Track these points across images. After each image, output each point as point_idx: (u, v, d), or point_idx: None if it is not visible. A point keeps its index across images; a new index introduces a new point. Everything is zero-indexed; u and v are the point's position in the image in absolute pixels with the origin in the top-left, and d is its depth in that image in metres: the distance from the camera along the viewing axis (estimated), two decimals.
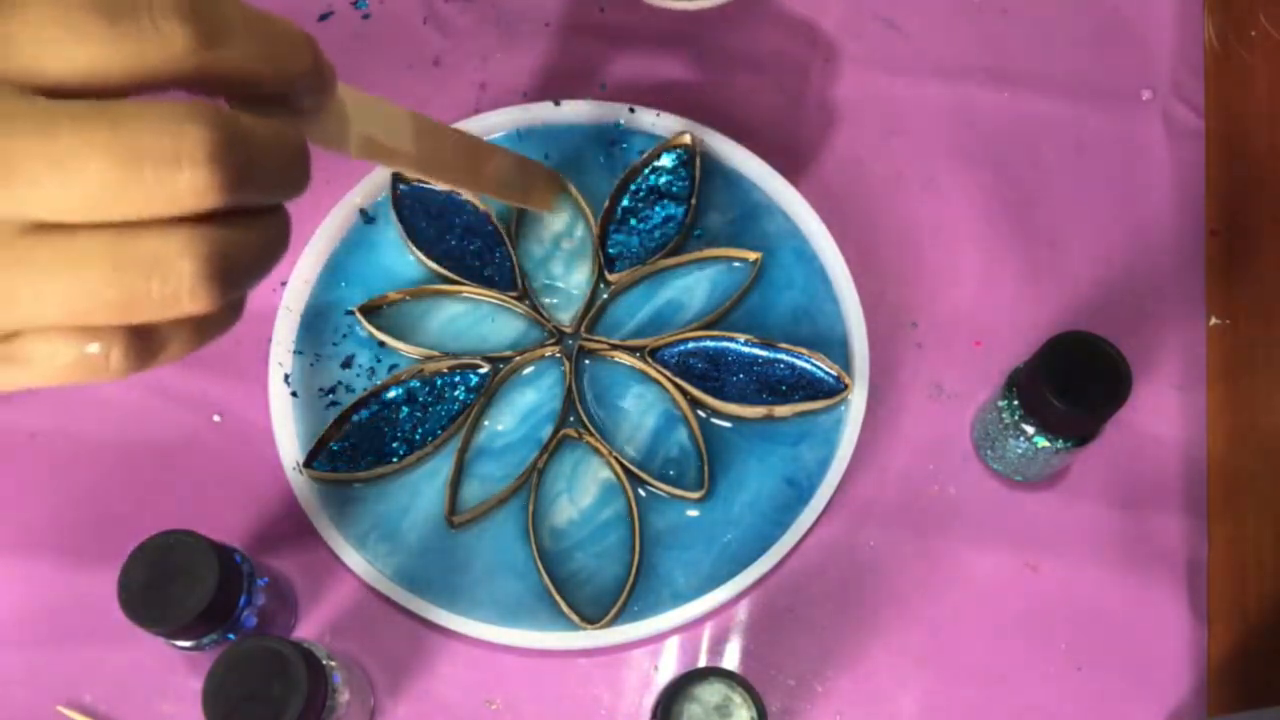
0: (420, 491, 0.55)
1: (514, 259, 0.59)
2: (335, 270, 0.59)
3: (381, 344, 0.57)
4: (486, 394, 0.56)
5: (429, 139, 0.38)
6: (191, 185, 0.25)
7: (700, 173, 0.60)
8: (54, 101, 0.25)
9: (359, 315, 0.57)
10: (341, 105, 0.33)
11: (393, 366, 0.57)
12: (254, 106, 0.29)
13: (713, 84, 0.65)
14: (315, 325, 0.58)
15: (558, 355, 0.57)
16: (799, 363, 0.56)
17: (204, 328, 0.28)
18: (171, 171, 0.24)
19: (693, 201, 0.60)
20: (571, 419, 0.56)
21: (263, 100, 0.29)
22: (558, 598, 0.52)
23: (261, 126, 0.27)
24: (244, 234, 0.27)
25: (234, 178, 0.25)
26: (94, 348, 0.27)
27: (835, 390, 0.56)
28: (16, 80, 0.25)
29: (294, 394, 0.56)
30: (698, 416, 0.56)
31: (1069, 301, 0.60)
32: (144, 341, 0.27)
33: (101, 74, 0.25)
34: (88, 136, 0.24)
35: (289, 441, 0.55)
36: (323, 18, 0.67)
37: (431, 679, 0.53)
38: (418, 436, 0.55)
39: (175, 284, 0.25)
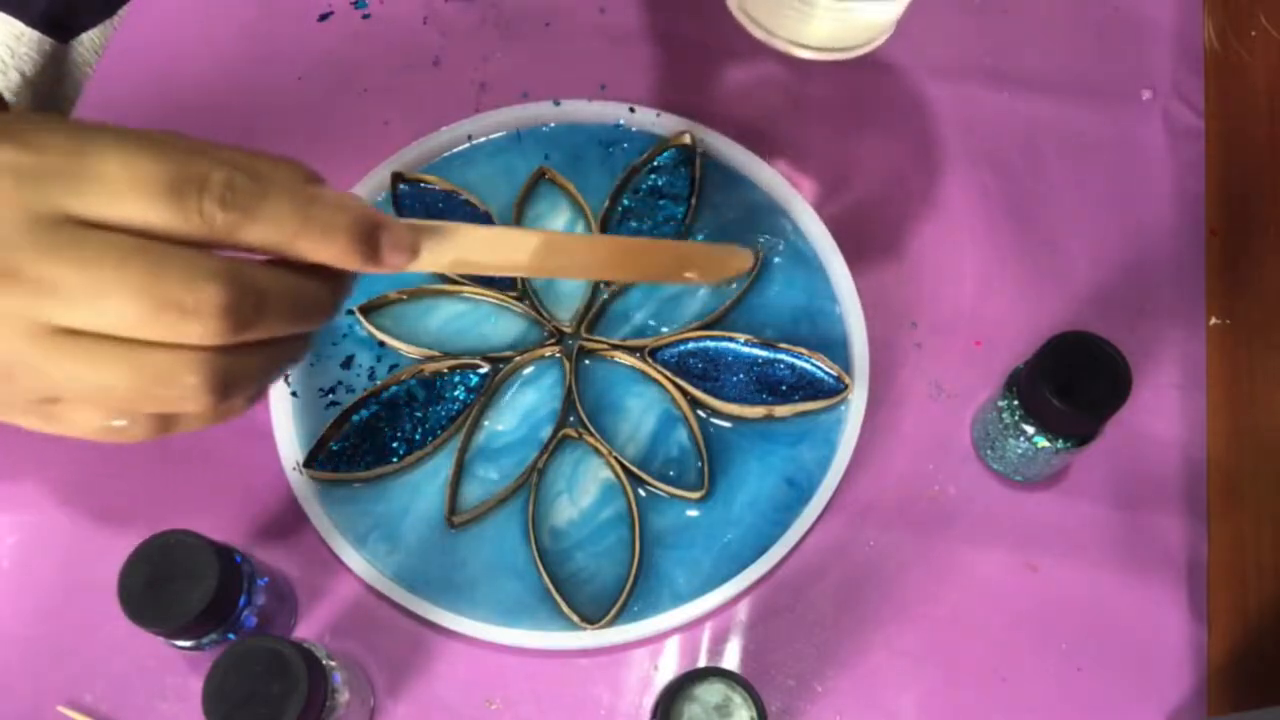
0: (420, 491, 0.55)
1: None
2: None
3: (381, 344, 0.57)
4: (486, 394, 0.56)
5: (555, 252, 0.39)
6: (202, 331, 0.30)
7: (700, 173, 0.60)
8: (95, 233, 0.29)
9: (359, 315, 0.57)
10: (431, 255, 0.36)
11: (393, 366, 0.57)
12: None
13: (713, 84, 0.65)
14: None
15: (558, 355, 0.57)
16: (799, 363, 0.56)
17: (216, 416, 0.34)
18: (187, 319, 0.30)
19: (693, 201, 0.60)
20: (571, 419, 0.56)
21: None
22: (558, 598, 0.52)
23: (279, 282, 0.32)
24: (248, 359, 0.32)
25: (240, 327, 0.31)
26: (119, 422, 0.33)
27: (835, 390, 0.56)
28: (74, 216, 0.29)
29: (294, 394, 0.56)
30: (697, 416, 0.56)
31: (1069, 301, 0.60)
32: (163, 419, 0.33)
33: (145, 227, 0.30)
34: (121, 277, 0.29)
35: (289, 441, 0.55)
36: (323, 18, 0.67)
37: (431, 679, 0.53)
38: (418, 436, 0.55)
39: (180, 391, 0.31)
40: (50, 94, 0.68)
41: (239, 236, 0.31)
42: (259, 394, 0.35)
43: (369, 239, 0.33)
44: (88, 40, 0.67)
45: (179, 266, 0.30)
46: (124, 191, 0.29)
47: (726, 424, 0.56)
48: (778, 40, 0.52)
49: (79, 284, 0.29)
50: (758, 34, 0.53)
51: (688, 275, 0.45)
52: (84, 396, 0.31)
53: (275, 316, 0.32)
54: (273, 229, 0.31)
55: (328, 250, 0.32)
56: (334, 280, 0.34)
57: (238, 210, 0.31)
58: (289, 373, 0.56)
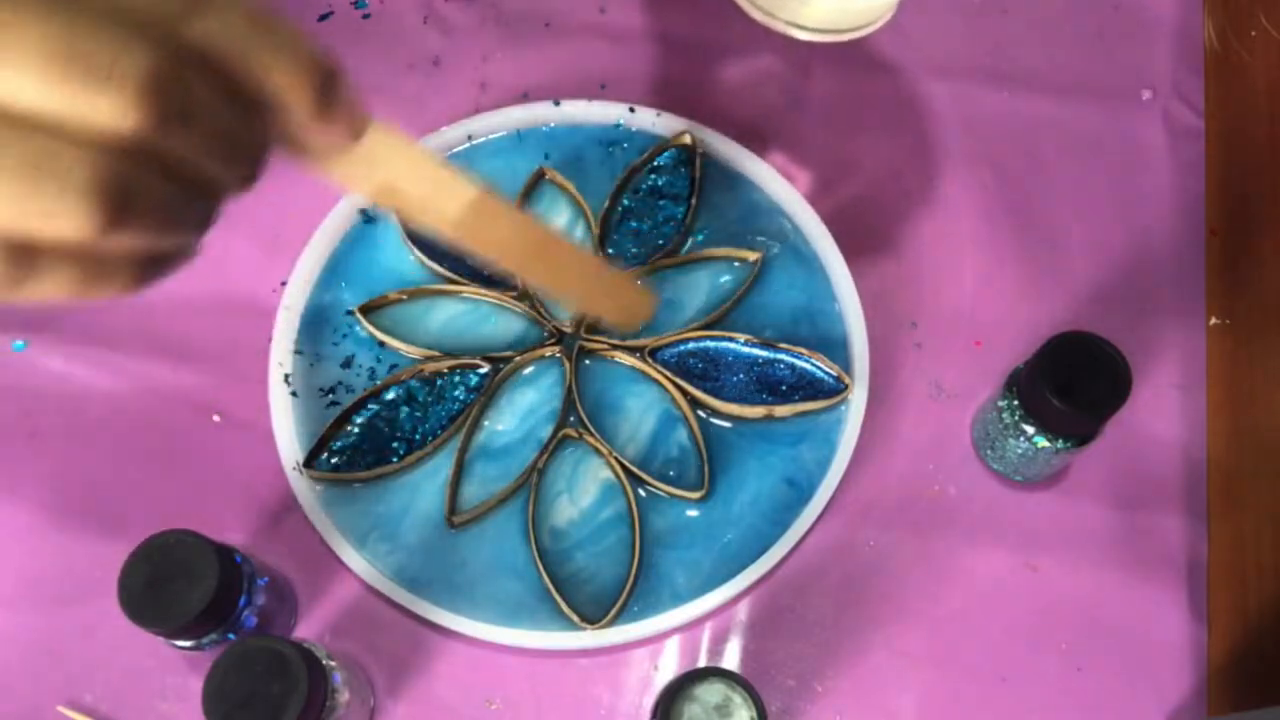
0: (420, 491, 0.55)
1: None
2: (335, 270, 0.59)
3: (381, 344, 0.57)
4: (486, 394, 0.56)
5: (490, 217, 0.36)
6: (114, 104, 0.24)
7: (700, 173, 0.60)
8: None
9: (359, 315, 0.57)
10: (370, 150, 0.32)
11: (393, 366, 0.57)
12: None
13: (713, 84, 0.65)
14: (315, 325, 0.58)
15: (558, 355, 0.57)
16: (799, 363, 0.56)
17: (82, 277, 0.26)
18: (100, 84, 0.24)
19: (692, 201, 0.60)
20: (571, 419, 0.56)
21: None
22: (558, 598, 0.52)
23: (214, 96, 0.26)
24: (158, 183, 0.26)
25: (160, 115, 0.24)
26: None
27: (835, 390, 0.56)
28: None
29: (294, 394, 0.56)
30: (697, 416, 0.56)
31: (1069, 301, 0.60)
32: (17, 261, 0.25)
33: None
34: (25, 22, 0.23)
35: (289, 441, 0.55)
36: (323, 18, 0.67)
37: (431, 679, 0.53)
38: (418, 436, 0.55)
39: (61, 190, 0.24)
40: None
41: (182, 26, 0.25)
42: (143, 262, 0.28)
43: (328, 79, 0.28)
44: None
45: (105, 25, 0.24)
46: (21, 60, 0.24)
47: (726, 424, 0.56)
48: (777, 22, 0.51)
49: None
50: (756, 15, 0.52)
51: (598, 305, 0.43)
52: None
53: (199, 126, 0.26)
54: (224, 25, 0.26)
55: (282, 68, 0.27)
56: (264, 127, 0.29)
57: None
58: (288, 371, 0.56)
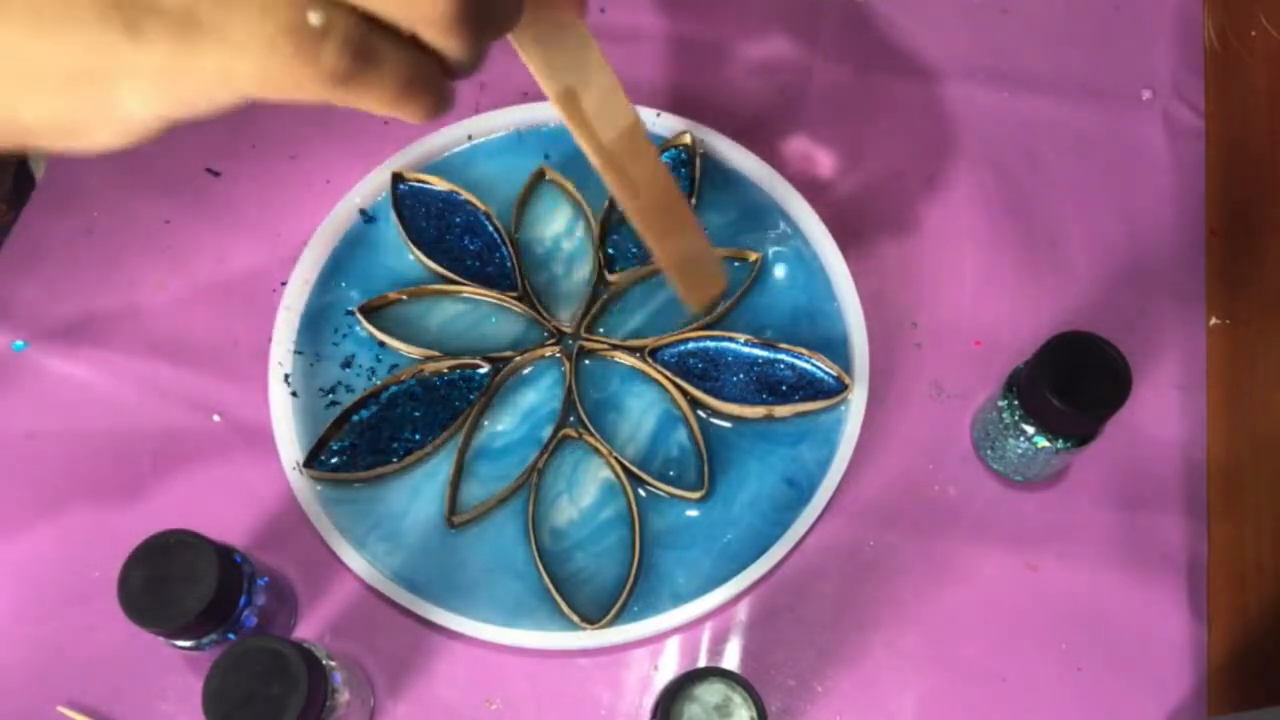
0: (420, 491, 0.55)
1: (514, 259, 0.59)
2: (335, 270, 0.59)
3: (381, 344, 0.57)
4: (486, 394, 0.56)
5: (636, 151, 0.37)
6: None
7: (700, 173, 0.60)
8: None
9: (359, 315, 0.57)
10: (578, 46, 0.33)
11: (393, 366, 0.57)
12: None
13: (713, 84, 0.65)
14: (315, 325, 0.58)
15: (558, 355, 0.57)
16: (799, 363, 0.56)
17: (408, 80, 0.29)
18: None
19: (692, 201, 0.60)
20: (571, 419, 0.56)
21: None
22: (558, 598, 0.52)
23: None
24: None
25: None
26: (315, 17, 0.26)
27: (835, 390, 0.56)
28: None
29: (294, 394, 0.56)
30: (697, 416, 0.56)
31: (1069, 301, 0.60)
32: (360, 50, 0.27)
33: None
34: None
35: (289, 441, 0.55)
36: None
37: (431, 679, 0.53)
38: (418, 436, 0.55)
39: None
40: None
41: None
42: (445, 83, 0.30)
43: None
44: None
45: None
46: None
47: (726, 424, 0.56)
48: None
49: None
50: None
51: (686, 272, 0.43)
52: None
53: None
54: None
55: None
56: None
57: None
58: (288, 371, 0.56)
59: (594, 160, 0.36)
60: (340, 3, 0.27)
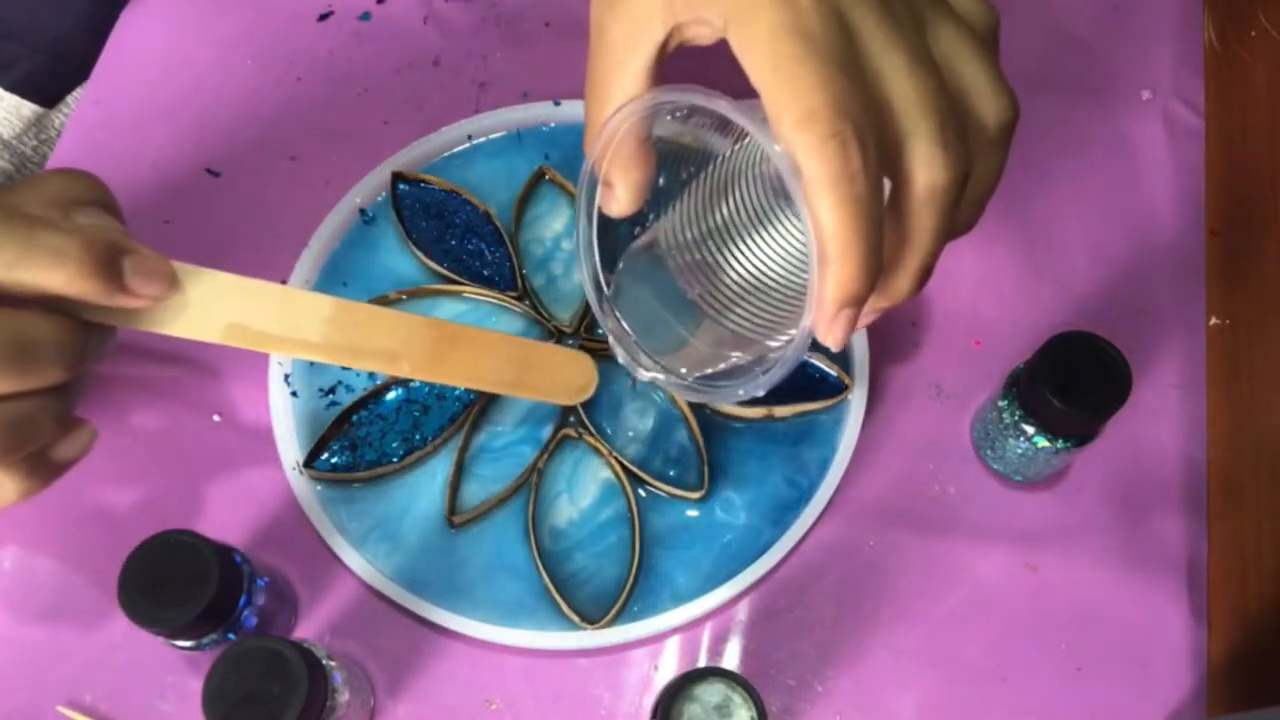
0: (420, 491, 0.55)
1: (514, 259, 0.59)
2: (335, 270, 0.59)
3: None
4: (486, 394, 0.56)
5: (357, 325, 0.34)
6: None
7: None
8: None
9: None
10: (201, 294, 0.32)
11: None
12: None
13: (713, 84, 0.65)
14: None
15: None
16: None
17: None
18: None
19: None
20: (571, 419, 0.56)
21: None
22: (558, 598, 0.52)
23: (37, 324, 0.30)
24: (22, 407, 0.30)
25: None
26: None
27: (835, 390, 0.56)
28: None
29: (294, 394, 0.56)
30: (698, 416, 0.56)
31: (1069, 301, 0.60)
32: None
33: None
34: None
35: (289, 441, 0.55)
36: (322, 18, 0.67)
37: (431, 679, 0.53)
38: (418, 436, 0.55)
39: None
40: (32, 156, 0.68)
41: None
42: (23, 467, 0.32)
43: (109, 263, 0.30)
44: (71, 100, 0.67)
45: None
46: None
47: (726, 424, 0.56)
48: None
49: None
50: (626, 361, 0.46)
51: (528, 386, 0.39)
52: None
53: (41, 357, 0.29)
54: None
55: (55, 275, 0.29)
56: (75, 323, 0.31)
57: None
58: (288, 372, 0.56)
59: (330, 359, 0.34)
60: None
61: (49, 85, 0.66)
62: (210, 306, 0.32)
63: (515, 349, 0.41)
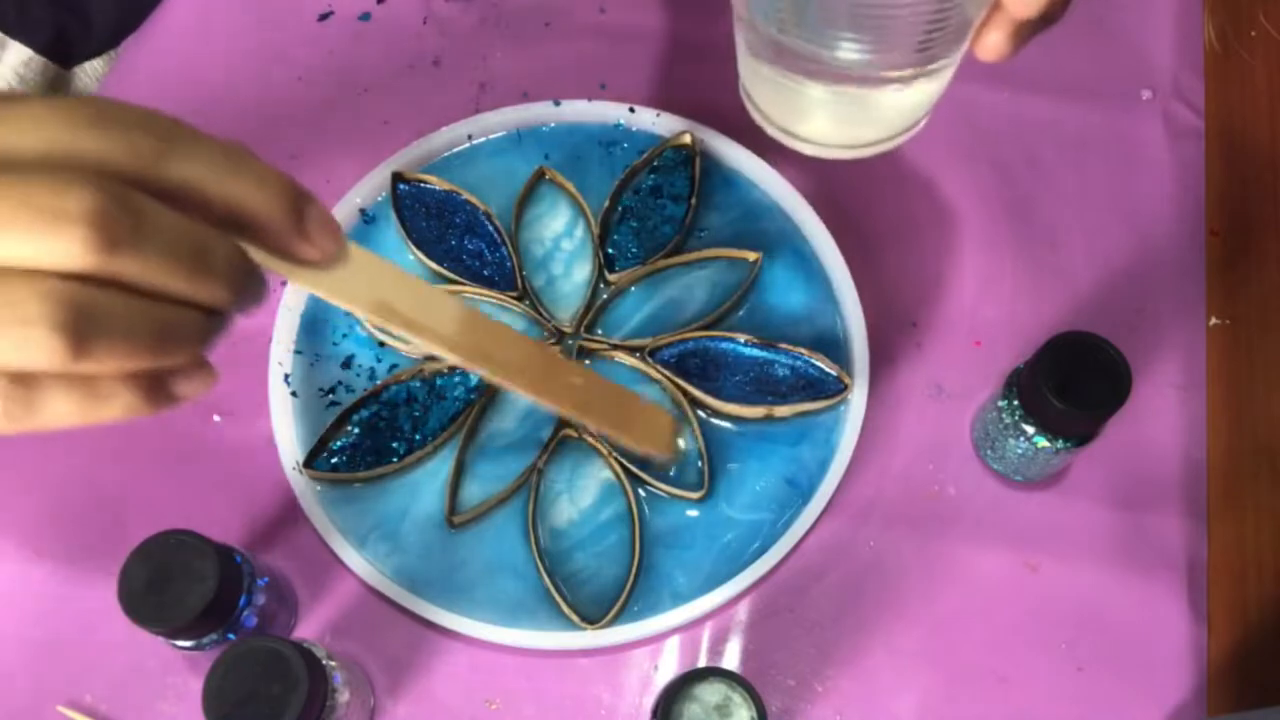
0: (420, 491, 0.55)
1: (514, 259, 0.59)
2: None
3: (381, 344, 0.57)
4: (487, 394, 0.56)
5: (489, 332, 0.35)
6: (65, 244, 0.25)
7: (700, 173, 0.60)
8: None
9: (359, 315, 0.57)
10: (354, 267, 0.32)
11: (393, 366, 0.57)
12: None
13: (713, 84, 0.65)
14: (315, 325, 0.58)
15: None
16: (799, 363, 0.56)
17: (81, 401, 0.28)
18: (50, 226, 0.25)
19: (692, 201, 0.60)
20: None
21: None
22: (558, 598, 0.52)
23: (169, 217, 0.27)
24: (123, 304, 0.27)
25: (108, 246, 0.26)
26: None
27: (835, 390, 0.56)
28: None
29: (294, 394, 0.56)
30: (698, 416, 0.56)
31: (1069, 301, 0.60)
32: (20, 392, 0.27)
33: (51, 147, 0.26)
34: None
35: (289, 441, 0.55)
36: (322, 18, 0.67)
37: (431, 679, 0.53)
38: (418, 436, 0.55)
39: (24, 323, 0.26)
40: None
41: (164, 167, 0.27)
42: (146, 381, 0.30)
43: (297, 204, 0.30)
44: (90, 69, 0.67)
45: (47, 173, 0.26)
46: (43, 116, 0.26)
47: (727, 424, 0.56)
48: (772, 128, 0.46)
49: None
50: (756, 118, 0.47)
51: (614, 426, 0.40)
52: None
53: (157, 248, 0.27)
54: (203, 163, 0.28)
55: (259, 196, 0.29)
56: (246, 255, 0.30)
57: (167, 139, 0.27)
58: (288, 372, 0.56)
59: (457, 356, 0.35)
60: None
61: (72, 48, 0.66)
62: (363, 278, 0.32)
63: (618, 394, 0.42)
